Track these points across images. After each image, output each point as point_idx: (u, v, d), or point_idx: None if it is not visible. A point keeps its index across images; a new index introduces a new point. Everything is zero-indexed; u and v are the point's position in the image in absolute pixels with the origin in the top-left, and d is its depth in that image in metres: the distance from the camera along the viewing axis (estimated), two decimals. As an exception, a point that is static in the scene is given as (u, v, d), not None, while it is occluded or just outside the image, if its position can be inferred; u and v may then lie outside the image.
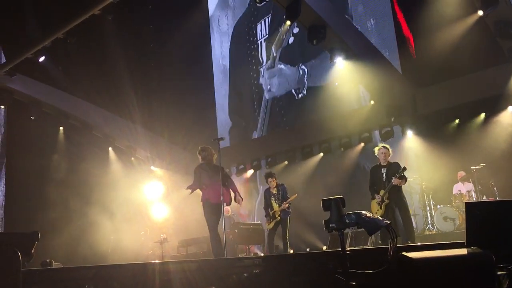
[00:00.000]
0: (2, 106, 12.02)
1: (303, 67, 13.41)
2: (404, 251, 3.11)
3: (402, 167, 7.08)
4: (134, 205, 12.15)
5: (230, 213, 11.05)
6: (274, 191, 8.36)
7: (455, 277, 2.87)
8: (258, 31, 14.92)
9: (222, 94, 15.89)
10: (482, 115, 9.70)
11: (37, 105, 12.06)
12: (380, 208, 7.15)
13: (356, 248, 7.80)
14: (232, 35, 15.88)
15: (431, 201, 9.56)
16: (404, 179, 7.12)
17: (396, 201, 7.10)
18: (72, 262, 9.06)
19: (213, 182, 6.99)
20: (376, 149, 7.50)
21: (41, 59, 10.43)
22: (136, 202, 12.23)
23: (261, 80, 14.60)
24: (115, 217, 11.44)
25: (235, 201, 7.24)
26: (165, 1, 14.30)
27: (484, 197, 8.76)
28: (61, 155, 12.51)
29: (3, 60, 11.88)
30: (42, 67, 10.86)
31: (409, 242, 6.63)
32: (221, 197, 6.96)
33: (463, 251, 3.07)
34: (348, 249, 3.89)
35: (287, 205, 8.17)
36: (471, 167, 8.97)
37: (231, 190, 7.17)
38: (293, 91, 13.64)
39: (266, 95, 14.39)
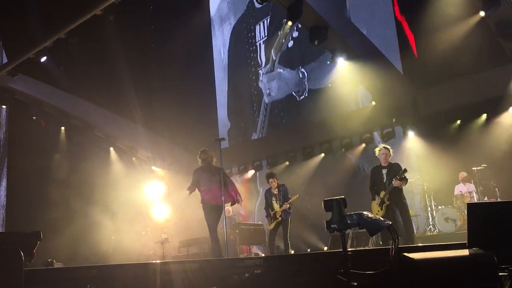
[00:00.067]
0: (4, 106, 12.04)
1: (302, 70, 13.42)
2: (405, 252, 3.11)
3: (403, 168, 7.09)
4: (135, 205, 12.16)
5: (231, 213, 11.06)
6: (275, 191, 8.36)
7: (456, 278, 2.86)
8: (257, 33, 14.94)
9: (224, 94, 15.91)
10: (484, 116, 9.69)
11: (39, 105, 12.09)
12: (381, 209, 7.16)
13: (358, 248, 7.80)
14: (231, 36, 15.91)
15: (432, 202, 9.55)
16: (404, 180, 7.12)
17: (396, 202, 7.10)
18: (73, 262, 9.08)
19: (212, 184, 7.04)
20: (376, 149, 7.51)
21: (43, 59, 10.44)
22: (137, 202, 12.23)
23: (260, 84, 14.61)
24: (116, 217, 11.46)
25: (235, 201, 7.27)
26: (167, 1, 14.31)
27: (486, 198, 8.75)
28: (62, 155, 12.53)
29: (5, 60, 11.90)
30: (43, 67, 10.88)
31: (409, 243, 6.63)
32: (222, 197, 7.02)
33: (464, 252, 3.07)
34: (350, 249, 3.89)
35: (288, 205, 8.17)
36: (473, 168, 8.96)
37: (231, 191, 7.20)
38: (293, 93, 13.63)
39: (266, 99, 14.41)
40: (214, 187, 7.06)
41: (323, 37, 9.09)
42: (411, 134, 10.50)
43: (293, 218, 8.51)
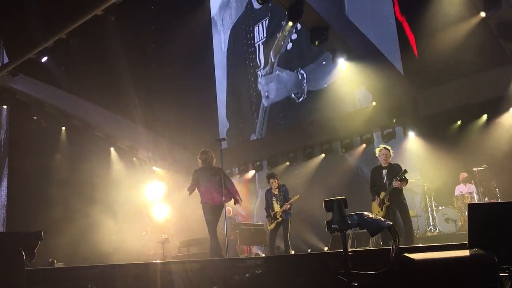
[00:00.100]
0: (5, 106, 12.06)
1: (302, 71, 13.44)
2: (406, 252, 3.11)
3: (403, 169, 7.09)
4: (135, 205, 12.18)
5: (231, 213, 11.06)
6: (276, 192, 8.36)
7: (457, 279, 2.87)
8: (256, 34, 14.97)
9: (223, 94, 15.93)
10: (484, 117, 9.68)
11: (39, 105, 12.10)
12: (381, 209, 7.15)
13: (358, 249, 7.80)
14: (229, 36, 15.93)
15: (433, 202, 9.55)
16: (405, 181, 7.12)
17: (396, 203, 7.11)
18: (73, 262, 9.08)
19: (212, 185, 7.07)
20: (377, 150, 7.51)
21: (44, 59, 10.46)
22: (138, 202, 12.25)
23: (259, 86, 14.63)
24: (117, 217, 11.47)
25: (235, 202, 7.30)
26: (167, 1, 14.32)
27: (486, 199, 8.75)
28: (63, 155, 12.55)
29: (6, 60, 11.90)
30: (44, 67, 10.89)
31: (409, 244, 6.63)
32: (223, 197, 7.04)
33: (465, 253, 3.07)
34: (350, 250, 3.89)
35: (288, 206, 8.17)
36: (473, 169, 8.96)
37: (231, 191, 7.22)
38: (292, 95, 13.64)
39: (265, 102, 14.43)
40: (214, 188, 7.08)
41: (323, 37, 9.10)
42: (411, 135, 10.50)
43: (294, 219, 8.51)
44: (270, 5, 13.97)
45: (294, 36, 13.63)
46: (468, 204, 3.47)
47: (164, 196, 12.62)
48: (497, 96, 9.23)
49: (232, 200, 7.31)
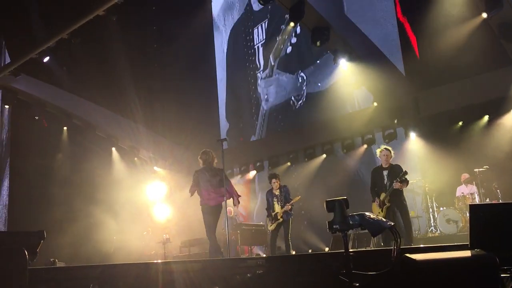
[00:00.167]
0: (7, 106, 12.08)
1: (302, 74, 13.45)
2: (407, 253, 3.11)
3: (404, 170, 7.08)
4: (137, 205, 12.18)
5: (232, 214, 11.06)
6: (277, 192, 8.36)
7: (458, 279, 2.87)
8: (255, 36, 14.99)
9: (224, 94, 15.96)
10: (486, 118, 9.68)
11: (41, 105, 12.13)
12: (381, 210, 7.15)
13: (359, 249, 7.80)
14: (229, 38, 15.96)
15: (434, 203, 9.54)
16: (405, 182, 7.12)
17: (397, 204, 7.11)
18: (75, 261, 9.10)
19: (212, 185, 7.09)
20: (378, 150, 7.51)
21: (46, 59, 10.48)
22: (139, 202, 12.26)
23: (259, 88, 14.65)
24: (118, 217, 11.48)
25: (233, 204, 7.33)
26: (169, 2, 14.34)
27: (487, 200, 8.74)
28: (64, 155, 12.57)
29: (8, 60, 11.93)
30: (46, 67, 10.91)
31: (409, 245, 6.64)
32: (224, 198, 7.07)
33: (466, 253, 3.07)
34: (351, 250, 3.90)
35: (289, 206, 8.17)
36: (474, 170, 8.95)
37: (230, 193, 7.25)
38: (292, 98, 13.66)
39: (264, 106, 14.45)
40: (214, 188, 7.12)
41: (325, 38, 9.10)
42: (412, 135, 10.49)
43: (294, 219, 8.51)
44: (269, 7, 14.04)
45: (293, 40, 13.67)
46: (470, 204, 3.47)
47: (165, 196, 12.63)
48: (498, 97, 9.22)
49: (231, 199, 7.32)
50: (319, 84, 12.84)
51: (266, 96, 14.38)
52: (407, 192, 7.64)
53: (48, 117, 12.39)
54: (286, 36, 13.63)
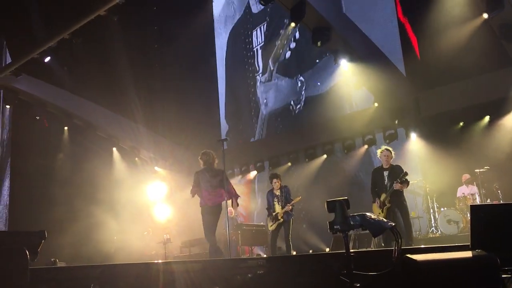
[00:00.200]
0: (8, 106, 12.08)
1: (301, 78, 13.47)
2: (408, 253, 3.11)
3: (404, 171, 7.08)
4: (137, 206, 12.19)
5: (233, 214, 11.06)
6: (278, 192, 8.36)
7: (459, 280, 2.87)
8: (254, 38, 15.01)
9: (224, 95, 16.01)
10: (487, 118, 9.68)
11: (42, 105, 12.13)
12: (382, 211, 7.15)
13: (360, 250, 7.79)
14: (228, 39, 15.98)
15: (435, 203, 9.54)
16: (405, 183, 7.12)
17: (397, 204, 7.11)
18: (75, 261, 9.10)
19: (212, 186, 7.11)
20: (378, 151, 7.50)
21: (47, 59, 10.49)
22: (140, 203, 12.27)
23: (258, 92, 14.67)
24: (119, 217, 11.48)
25: (232, 206, 7.34)
26: (170, 2, 14.35)
27: (488, 200, 8.73)
28: (65, 155, 12.58)
29: (9, 60, 11.94)
30: (47, 67, 10.92)
31: (409, 245, 6.63)
32: (224, 198, 7.10)
33: (467, 254, 3.07)
34: (352, 250, 3.90)
35: (290, 207, 8.17)
36: (475, 170, 8.94)
37: (230, 194, 7.27)
38: (291, 102, 13.67)
39: (263, 110, 14.48)
40: (214, 189, 7.15)
41: (326, 38, 9.10)
42: (413, 136, 10.49)
43: (295, 219, 8.51)
44: (268, 9, 14.10)
45: (292, 45, 13.71)
46: (471, 205, 3.47)
47: (166, 196, 12.64)
48: (499, 98, 9.22)
49: (231, 200, 7.35)
50: (318, 88, 12.88)
51: (265, 101, 14.41)
52: (407, 192, 7.63)
53: (49, 117, 12.40)
54: (285, 41, 13.68)
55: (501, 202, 8.39)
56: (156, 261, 5.83)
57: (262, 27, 14.77)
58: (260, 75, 14.69)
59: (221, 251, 7.06)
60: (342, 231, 3.45)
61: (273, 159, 13.24)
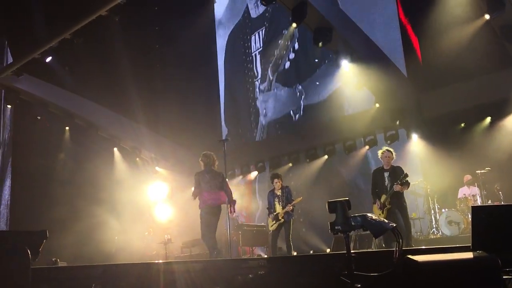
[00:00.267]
0: (9, 106, 12.09)
1: (299, 87, 13.50)
2: (409, 254, 3.11)
3: (405, 173, 7.07)
4: (138, 206, 12.20)
5: (234, 214, 11.06)
6: (279, 192, 8.36)
7: (460, 281, 2.87)
8: (253, 43, 15.03)
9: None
10: (488, 119, 9.67)
11: (43, 105, 12.14)
12: (382, 212, 7.14)
13: (361, 250, 7.79)
14: (227, 43, 15.99)
15: (436, 204, 9.53)
16: (406, 185, 7.11)
17: (397, 205, 7.10)
18: (76, 261, 9.11)
19: (212, 187, 7.17)
20: (379, 152, 7.49)
21: (48, 59, 10.50)
22: (141, 203, 12.28)
23: (258, 103, 14.68)
24: (120, 217, 11.49)
25: (229, 212, 7.36)
26: (171, 3, 14.36)
27: (489, 202, 8.73)
28: (66, 155, 12.58)
29: (10, 60, 11.96)
30: (48, 67, 10.93)
31: (409, 246, 6.63)
32: (226, 199, 7.13)
33: (468, 255, 3.07)
34: (353, 251, 3.90)
35: (291, 207, 8.17)
36: (476, 171, 8.94)
37: (228, 198, 7.31)
38: (291, 112, 13.69)
39: (263, 120, 14.49)
40: (214, 190, 7.20)
41: (327, 39, 9.09)
42: (414, 137, 10.48)
43: (295, 220, 8.50)
44: (267, 14, 14.15)
45: (291, 56, 13.74)
46: (472, 206, 3.47)
47: (167, 196, 12.65)
48: (501, 99, 9.21)
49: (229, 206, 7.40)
50: (317, 96, 12.94)
51: (264, 111, 14.44)
52: (409, 193, 7.62)
53: (50, 117, 12.40)
54: (284, 51, 13.76)
55: (502, 203, 8.38)
56: (157, 261, 5.84)
57: (260, 33, 14.79)
58: (259, 81, 14.71)
59: (217, 246, 7.07)
60: (343, 232, 3.45)
61: (274, 159, 13.24)
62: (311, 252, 10.94)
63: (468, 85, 9.83)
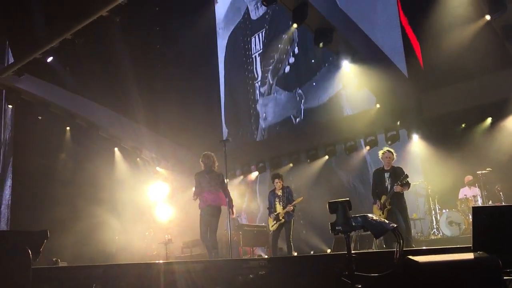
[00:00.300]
0: (10, 106, 12.10)
1: (299, 91, 13.51)
2: (410, 255, 3.11)
3: (405, 174, 7.07)
4: (139, 206, 12.21)
5: (234, 215, 11.06)
6: (279, 192, 8.36)
7: (461, 282, 2.86)
8: (253, 45, 15.04)
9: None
10: (489, 120, 9.66)
11: (44, 105, 12.15)
12: (382, 213, 7.14)
13: (362, 251, 7.79)
14: (227, 44, 15.99)
15: (437, 205, 9.53)
16: (406, 185, 7.12)
17: (397, 206, 7.10)
18: (77, 261, 9.11)
19: (212, 187, 7.22)
20: (380, 152, 7.49)
21: (49, 59, 10.52)
22: (141, 203, 12.29)
23: (258, 106, 14.68)
24: (121, 217, 11.49)
25: (230, 214, 7.40)
26: (172, 3, 14.36)
27: (490, 202, 8.72)
28: (67, 155, 12.59)
29: (12, 60, 11.97)
30: (50, 67, 10.95)
31: (409, 247, 6.63)
32: (225, 201, 7.17)
33: (469, 256, 3.07)
34: (354, 252, 3.90)
35: (292, 207, 8.17)
36: (477, 172, 8.93)
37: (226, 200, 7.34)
38: (291, 116, 13.70)
39: (263, 124, 14.50)
40: (214, 190, 7.24)
41: (328, 39, 9.09)
42: (415, 137, 10.48)
43: (296, 220, 8.50)
44: (267, 17, 14.16)
45: (291, 60, 13.76)
46: (472, 207, 3.47)
47: (168, 196, 12.65)
48: (501, 99, 9.20)
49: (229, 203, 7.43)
50: (317, 100, 12.97)
51: (264, 115, 14.46)
52: (409, 194, 7.61)
53: (51, 117, 12.41)
54: (284, 56, 13.78)
55: (503, 203, 8.37)
56: (157, 262, 5.84)
57: (260, 35, 14.80)
58: (259, 83, 14.71)
59: (219, 254, 7.10)
60: (343, 232, 3.45)
61: (275, 159, 13.24)
62: (312, 252, 10.94)
63: (469, 85, 9.82)
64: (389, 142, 10.59)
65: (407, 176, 7.04)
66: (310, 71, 13.17)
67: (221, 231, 7.64)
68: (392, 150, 7.45)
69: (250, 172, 13.86)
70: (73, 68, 11.95)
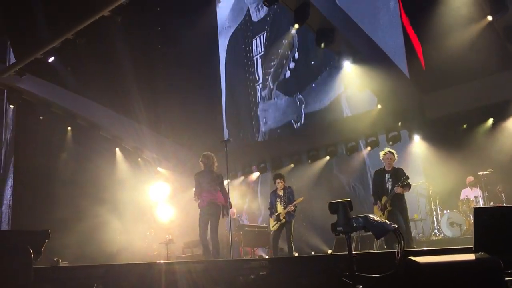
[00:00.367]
0: (11, 106, 12.13)
1: (300, 96, 13.52)
2: (411, 255, 3.11)
3: (406, 175, 7.06)
4: (140, 206, 12.22)
5: (235, 215, 11.08)
6: (281, 193, 8.36)
7: (462, 283, 2.86)
8: (254, 47, 15.04)
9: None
10: (490, 121, 9.65)
11: (46, 105, 12.17)
12: (383, 214, 7.14)
13: (363, 251, 7.79)
14: (228, 45, 16.00)
15: (438, 206, 9.52)
16: (407, 187, 7.11)
17: (398, 207, 7.09)
18: (78, 261, 9.12)
19: (212, 187, 7.25)
20: (381, 153, 7.48)
21: (51, 59, 10.53)
22: (143, 203, 12.29)
23: (258, 112, 14.69)
24: (122, 217, 11.50)
25: (222, 215, 7.40)
26: (174, 3, 14.38)
27: (491, 203, 8.71)
28: (68, 155, 12.60)
29: (13, 60, 11.99)
30: (51, 67, 10.96)
31: (409, 248, 6.62)
32: (226, 199, 7.17)
33: (470, 257, 3.06)
34: (355, 252, 3.90)
35: (292, 208, 8.17)
36: (479, 173, 8.92)
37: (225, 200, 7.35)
38: (292, 121, 13.71)
39: (263, 128, 14.50)
40: (214, 190, 7.25)
41: (329, 40, 9.08)
42: (417, 138, 10.46)
43: (297, 221, 8.50)
44: (268, 19, 14.17)
45: (292, 65, 13.76)
46: (474, 208, 3.46)
47: (169, 197, 12.66)
48: (503, 100, 9.20)
49: (229, 203, 7.44)
50: (318, 104, 12.96)
51: (264, 119, 14.47)
52: (411, 194, 7.60)
53: (52, 117, 12.43)
54: (285, 61, 13.80)
55: (505, 204, 8.36)
56: (158, 262, 5.85)
57: (261, 37, 14.81)
58: (260, 85, 14.72)
59: (217, 254, 7.11)
60: (345, 233, 3.45)
61: (276, 160, 13.24)
62: (313, 253, 10.93)
63: (471, 86, 9.81)
64: (391, 143, 10.57)
65: (408, 178, 7.03)
66: (311, 76, 13.17)
67: (222, 231, 7.65)
68: (393, 151, 7.44)
69: (251, 172, 13.85)
70: (75, 68, 11.96)
